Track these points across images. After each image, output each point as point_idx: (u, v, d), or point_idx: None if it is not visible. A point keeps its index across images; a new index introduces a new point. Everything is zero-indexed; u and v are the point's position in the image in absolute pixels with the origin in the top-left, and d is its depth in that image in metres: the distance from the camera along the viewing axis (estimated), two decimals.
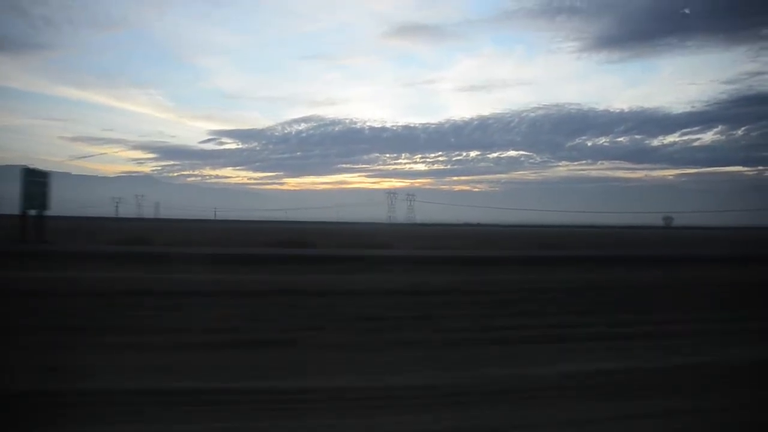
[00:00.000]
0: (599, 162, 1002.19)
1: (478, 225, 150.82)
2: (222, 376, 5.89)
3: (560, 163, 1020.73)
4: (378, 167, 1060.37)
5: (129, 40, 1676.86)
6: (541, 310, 10.35)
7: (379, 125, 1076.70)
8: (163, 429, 4.55)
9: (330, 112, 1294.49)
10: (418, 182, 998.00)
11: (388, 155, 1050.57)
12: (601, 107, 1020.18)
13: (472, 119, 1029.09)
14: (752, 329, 9.24)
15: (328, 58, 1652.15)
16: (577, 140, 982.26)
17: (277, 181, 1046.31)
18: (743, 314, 10.34)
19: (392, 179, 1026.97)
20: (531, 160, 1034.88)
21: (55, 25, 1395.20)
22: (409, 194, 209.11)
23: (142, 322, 8.35)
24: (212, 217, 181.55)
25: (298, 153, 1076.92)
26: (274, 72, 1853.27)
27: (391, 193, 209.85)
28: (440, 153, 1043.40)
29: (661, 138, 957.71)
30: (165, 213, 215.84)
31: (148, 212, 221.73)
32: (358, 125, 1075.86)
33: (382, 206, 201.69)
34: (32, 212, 23.58)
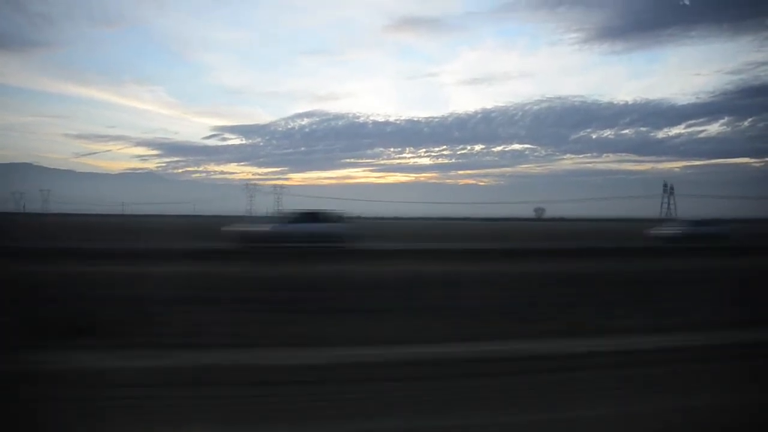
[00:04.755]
0: (604, 155, 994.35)
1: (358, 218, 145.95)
2: None
3: (565, 156, 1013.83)
4: (382, 161, 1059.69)
5: (129, 37, 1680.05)
6: None
7: (383, 119, 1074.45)
8: None
9: (333, 107, 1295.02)
10: (423, 176, 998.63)
11: (392, 149, 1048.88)
12: (605, 99, 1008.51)
13: (475, 112, 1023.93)
14: None
15: (330, 53, 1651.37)
16: (582, 133, 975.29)
17: (281, 176, 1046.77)
18: None
19: (397, 173, 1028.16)
20: (536, 154, 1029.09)
21: (54, 23, 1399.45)
22: (277, 187, 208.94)
23: None
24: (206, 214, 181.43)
25: (302, 148, 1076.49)
26: (276, 67, 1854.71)
27: (250, 185, 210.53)
28: (444, 147, 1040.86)
29: (666, 130, 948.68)
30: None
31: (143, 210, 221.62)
32: (362, 119, 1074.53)
33: (266, 198, 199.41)
34: None
